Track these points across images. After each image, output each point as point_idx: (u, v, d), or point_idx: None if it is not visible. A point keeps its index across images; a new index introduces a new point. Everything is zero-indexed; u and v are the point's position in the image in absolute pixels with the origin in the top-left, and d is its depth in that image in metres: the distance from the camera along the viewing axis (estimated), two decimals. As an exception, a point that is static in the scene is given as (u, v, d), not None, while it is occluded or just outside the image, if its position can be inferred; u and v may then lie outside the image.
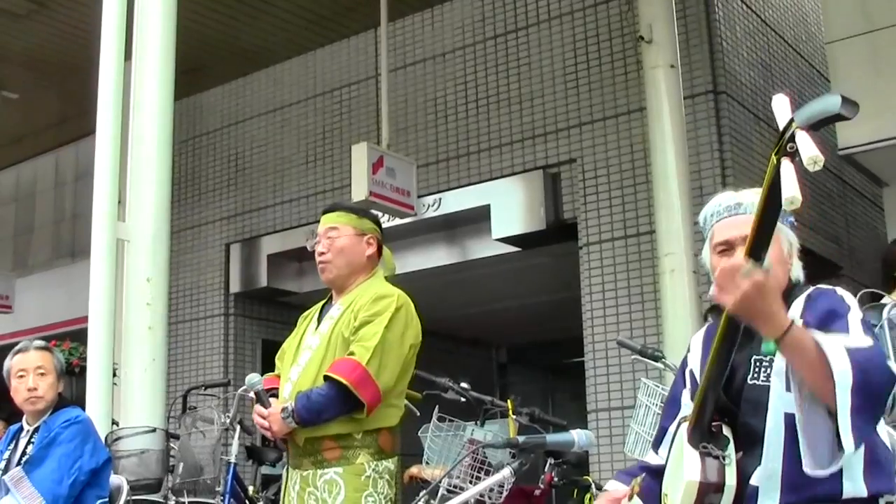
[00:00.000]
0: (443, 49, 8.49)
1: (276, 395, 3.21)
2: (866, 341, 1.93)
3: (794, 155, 1.72)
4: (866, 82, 6.79)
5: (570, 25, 7.78)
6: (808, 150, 1.68)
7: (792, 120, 1.75)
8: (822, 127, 1.73)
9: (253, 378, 3.17)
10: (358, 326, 3.05)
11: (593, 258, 7.31)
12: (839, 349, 1.87)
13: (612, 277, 7.20)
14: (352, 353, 3.01)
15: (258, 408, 3.12)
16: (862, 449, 1.92)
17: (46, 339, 4.61)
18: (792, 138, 1.72)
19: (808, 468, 1.89)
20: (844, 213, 8.79)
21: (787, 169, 1.71)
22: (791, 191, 1.68)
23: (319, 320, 3.24)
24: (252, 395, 4.36)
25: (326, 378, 3.02)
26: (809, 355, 1.88)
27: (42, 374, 3.75)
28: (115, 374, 4.90)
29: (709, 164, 6.94)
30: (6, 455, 3.74)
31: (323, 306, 3.31)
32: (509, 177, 7.87)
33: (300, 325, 3.35)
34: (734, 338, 1.99)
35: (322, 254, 3.23)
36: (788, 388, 1.96)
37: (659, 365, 4.47)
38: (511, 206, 7.81)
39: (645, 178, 7.01)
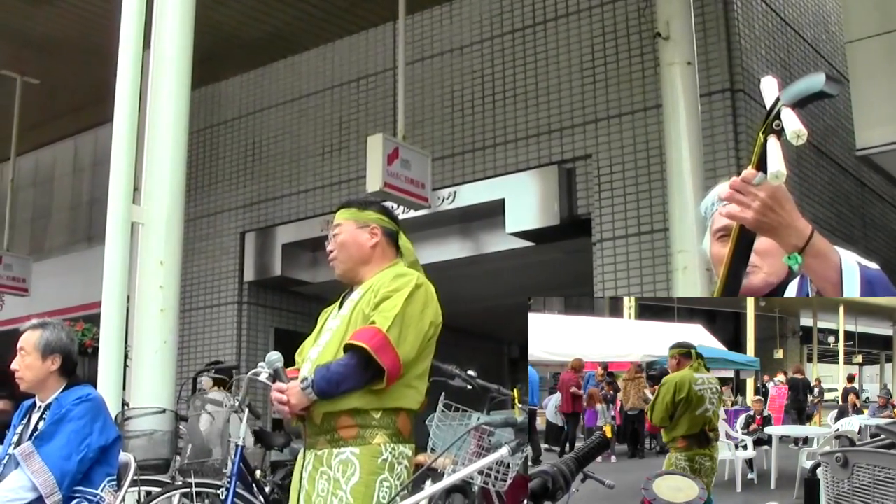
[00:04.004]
0: (460, 43, 8.50)
1: None
2: (875, 265, 1.94)
3: (780, 133, 1.74)
4: (886, 83, 6.75)
5: (587, 21, 7.78)
6: (792, 124, 1.71)
7: (778, 99, 1.79)
8: (807, 104, 1.76)
9: (273, 356, 3.18)
10: (378, 302, 3.07)
11: (607, 254, 7.31)
12: (852, 260, 1.88)
13: (626, 274, 7.20)
14: (372, 322, 3.03)
15: (276, 384, 3.12)
16: None
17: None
18: (777, 116, 1.75)
19: None
20: (862, 214, 8.74)
21: (773, 145, 1.74)
22: (776, 165, 1.71)
23: (340, 306, 3.29)
24: (264, 377, 4.40)
25: (347, 348, 3.03)
26: (832, 262, 1.85)
27: (22, 356, 3.79)
28: (126, 356, 4.95)
29: (724, 162, 6.92)
30: (19, 429, 3.79)
31: (344, 296, 3.36)
32: (524, 171, 7.89)
33: (320, 320, 3.39)
34: (746, 253, 1.95)
35: (330, 252, 3.33)
36: None
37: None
38: (525, 201, 7.82)
39: (660, 176, 7.00)
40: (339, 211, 3.39)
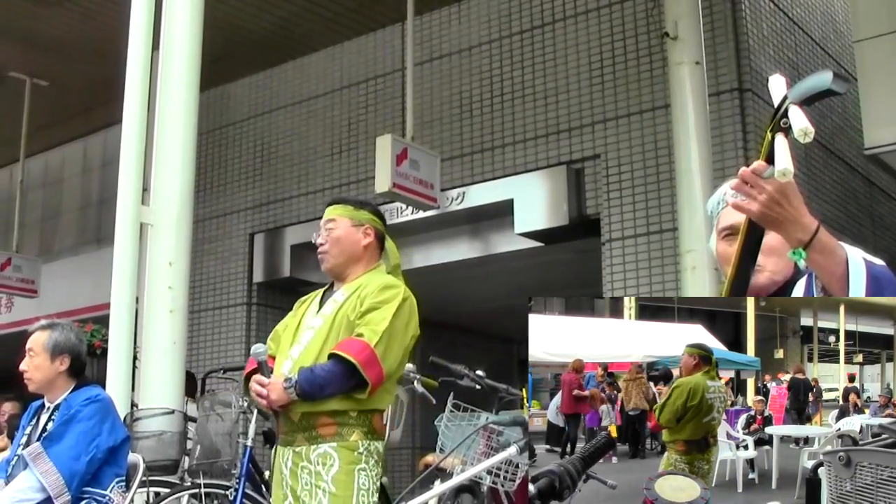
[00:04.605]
0: (469, 43, 8.50)
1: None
2: (880, 261, 1.93)
3: (787, 130, 1.76)
4: (894, 82, 6.73)
5: (595, 21, 7.77)
6: (800, 122, 1.73)
7: (786, 97, 1.80)
8: (814, 102, 1.78)
9: (258, 347, 3.23)
10: (365, 311, 3.15)
11: (615, 254, 7.30)
12: (858, 257, 1.88)
13: (634, 274, 7.18)
14: (360, 335, 3.10)
15: (258, 377, 3.17)
16: None
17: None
18: (785, 114, 1.76)
19: None
20: (870, 213, 8.71)
21: (781, 143, 1.75)
22: (783, 163, 1.72)
23: (321, 304, 3.31)
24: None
25: (332, 356, 3.09)
26: (838, 258, 1.85)
27: (31, 356, 3.81)
28: (135, 357, 4.96)
29: (733, 161, 6.90)
30: (27, 430, 3.80)
31: (324, 292, 3.38)
32: (533, 171, 7.88)
33: (297, 309, 3.44)
34: (755, 250, 1.96)
35: (321, 245, 3.37)
36: None
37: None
38: (534, 201, 7.82)
39: (668, 175, 6.99)
40: (331, 206, 3.44)
